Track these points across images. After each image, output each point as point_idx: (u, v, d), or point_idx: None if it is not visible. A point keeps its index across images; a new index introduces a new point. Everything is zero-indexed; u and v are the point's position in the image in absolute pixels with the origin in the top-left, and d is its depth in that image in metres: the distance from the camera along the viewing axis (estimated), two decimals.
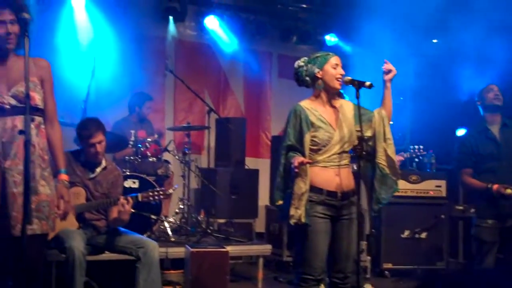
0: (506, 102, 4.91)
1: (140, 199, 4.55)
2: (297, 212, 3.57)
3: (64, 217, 3.55)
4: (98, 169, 4.72)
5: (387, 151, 3.77)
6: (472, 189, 4.94)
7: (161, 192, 4.63)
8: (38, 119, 3.40)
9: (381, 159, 3.76)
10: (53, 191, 3.42)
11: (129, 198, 4.47)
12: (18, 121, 3.28)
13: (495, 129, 4.88)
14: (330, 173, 3.68)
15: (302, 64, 3.87)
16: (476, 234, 4.87)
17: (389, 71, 3.81)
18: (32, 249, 3.16)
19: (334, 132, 3.71)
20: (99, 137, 4.62)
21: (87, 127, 4.63)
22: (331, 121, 3.75)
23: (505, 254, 4.84)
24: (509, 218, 4.73)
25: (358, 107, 3.65)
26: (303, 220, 3.57)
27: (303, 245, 3.69)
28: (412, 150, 5.74)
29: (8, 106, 3.29)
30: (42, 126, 3.44)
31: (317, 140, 3.69)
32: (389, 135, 3.79)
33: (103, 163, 4.76)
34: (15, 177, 3.24)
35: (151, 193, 4.61)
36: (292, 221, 3.58)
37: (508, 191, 4.58)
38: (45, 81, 3.46)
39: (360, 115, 3.65)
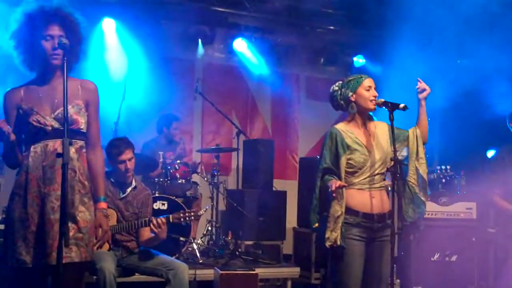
0: None
1: (171, 220, 4.59)
2: (333, 235, 3.59)
3: (101, 246, 3.53)
4: (129, 189, 4.78)
5: (418, 170, 3.78)
6: (501, 211, 4.89)
7: (192, 213, 4.67)
8: (80, 143, 3.33)
9: (411, 178, 3.78)
10: (93, 216, 3.32)
11: (163, 219, 4.51)
12: (60, 145, 3.16)
13: None
14: (366, 195, 3.69)
15: (336, 88, 3.92)
16: (504, 256, 4.82)
17: (423, 90, 3.81)
18: (70, 277, 3.09)
19: (369, 155, 3.73)
20: (129, 154, 4.70)
21: (117, 145, 4.71)
22: (367, 144, 3.76)
23: None
24: None
25: (392, 129, 3.63)
26: (338, 242, 3.58)
27: (338, 268, 3.69)
28: (439, 171, 5.67)
29: (50, 128, 3.22)
30: (84, 150, 3.36)
31: (353, 163, 3.70)
32: (422, 154, 3.80)
33: (133, 183, 4.83)
34: (53, 202, 3.13)
35: (182, 214, 4.65)
36: (327, 244, 3.59)
37: None
38: (90, 104, 3.39)
39: (394, 137, 3.64)
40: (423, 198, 3.77)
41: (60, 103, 3.23)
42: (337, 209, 3.58)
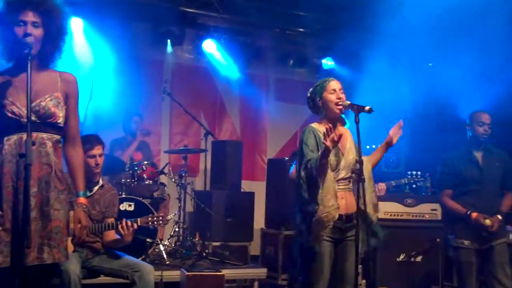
0: (494, 130, 4.96)
1: (139, 223, 4.55)
2: (314, 236, 3.64)
3: (77, 243, 3.46)
4: (96, 188, 4.74)
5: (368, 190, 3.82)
6: (451, 211, 4.98)
7: (160, 218, 4.65)
8: (56, 137, 3.16)
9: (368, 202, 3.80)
10: (67, 215, 3.17)
11: (133, 223, 4.48)
12: (37, 138, 3.04)
13: (478, 154, 4.95)
14: (338, 197, 3.72)
15: (308, 94, 3.95)
16: (454, 256, 4.91)
17: (394, 136, 3.90)
18: (39, 279, 2.98)
19: (342, 157, 3.76)
20: (99, 150, 4.70)
21: (88, 140, 4.61)
22: (340, 146, 3.78)
23: (485, 275, 4.85)
24: (486, 241, 4.76)
25: (357, 131, 3.66)
26: (313, 243, 3.63)
27: (308, 269, 3.73)
28: (410, 176, 5.74)
29: (25, 120, 2.97)
30: (60, 145, 3.19)
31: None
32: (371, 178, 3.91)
33: (101, 182, 4.79)
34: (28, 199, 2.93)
35: (150, 219, 4.64)
36: (311, 243, 3.64)
37: (487, 221, 4.65)
38: (70, 97, 3.23)
39: (359, 140, 3.67)
40: (375, 214, 3.83)
41: (38, 95, 3.10)
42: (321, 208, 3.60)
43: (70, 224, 3.35)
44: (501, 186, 4.96)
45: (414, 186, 6.17)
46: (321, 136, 3.70)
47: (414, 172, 5.33)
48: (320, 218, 3.61)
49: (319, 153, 3.53)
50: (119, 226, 4.46)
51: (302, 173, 3.70)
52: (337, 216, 3.66)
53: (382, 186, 5.29)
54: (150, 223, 4.60)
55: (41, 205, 3.03)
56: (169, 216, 5.01)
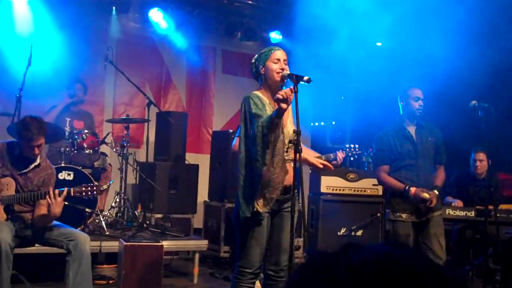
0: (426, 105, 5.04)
1: (72, 193, 4.33)
2: (256, 203, 3.61)
3: None
4: (31, 166, 4.52)
5: None
6: (389, 187, 5.05)
7: (94, 188, 4.44)
8: None
9: None
10: None
11: (60, 192, 4.27)
12: None
13: (411, 129, 5.01)
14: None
15: (253, 61, 3.88)
16: (391, 228, 4.99)
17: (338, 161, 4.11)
18: None
19: (283, 127, 3.72)
20: (40, 141, 4.42)
21: (29, 128, 4.34)
22: None
23: (421, 247, 4.95)
24: (423, 214, 4.86)
25: (296, 101, 3.62)
26: (260, 210, 3.62)
27: (245, 239, 3.70)
28: (348, 149, 5.75)
29: None
30: None
31: None
32: None
33: (38, 160, 4.55)
34: None
35: (84, 188, 4.39)
36: (249, 212, 3.61)
37: (425, 195, 4.72)
38: None
39: (297, 110, 3.62)
40: None
41: None
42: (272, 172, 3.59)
43: None
44: (433, 160, 5.05)
45: (352, 159, 6.21)
46: (266, 100, 3.67)
47: (352, 145, 5.37)
48: (269, 179, 3.60)
49: (274, 112, 3.47)
50: (47, 196, 4.29)
51: (258, 131, 3.55)
52: (285, 179, 3.66)
53: (341, 154, 5.30)
54: (84, 193, 4.37)
55: None
56: (104, 186, 4.83)
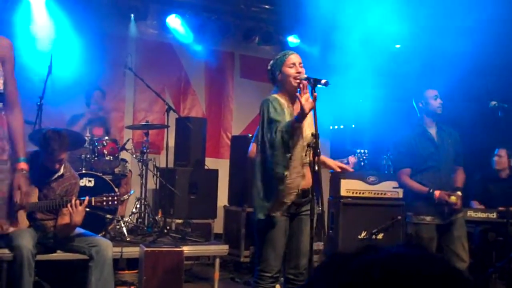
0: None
1: (93, 203, 4.37)
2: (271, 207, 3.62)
3: (19, 208, 3.36)
4: (54, 176, 4.55)
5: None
6: (411, 190, 5.02)
7: (115, 198, 4.44)
8: None
9: None
10: (9, 185, 3.10)
11: (81, 201, 4.30)
12: None
13: (432, 131, 4.98)
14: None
15: (269, 67, 3.88)
16: (414, 232, 4.96)
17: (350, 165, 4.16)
18: None
19: (301, 130, 3.72)
20: (61, 156, 4.45)
21: (51, 144, 4.35)
22: None
23: (444, 250, 4.92)
24: (448, 215, 4.81)
25: (314, 104, 3.61)
26: (275, 211, 3.61)
27: (263, 242, 3.70)
28: (359, 154, 5.74)
29: None
30: (3, 113, 3.11)
31: None
32: None
33: (61, 171, 4.57)
34: None
35: (105, 198, 4.42)
36: (263, 214, 3.61)
37: (453, 198, 4.67)
38: (6, 61, 3.12)
39: (316, 113, 3.62)
40: None
41: None
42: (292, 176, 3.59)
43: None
44: (454, 162, 5.01)
45: (362, 164, 6.19)
46: (284, 104, 3.67)
47: (362, 150, 5.36)
48: (286, 183, 3.59)
49: (295, 116, 3.48)
50: (68, 204, 4.31)
51: (276, 136, 3.55)
52: (302, 183, 3.65)
53: (353, 159, 5.28)
54: (105, 202, 4.40)
55: None
56: (125, 196, 4.85)
